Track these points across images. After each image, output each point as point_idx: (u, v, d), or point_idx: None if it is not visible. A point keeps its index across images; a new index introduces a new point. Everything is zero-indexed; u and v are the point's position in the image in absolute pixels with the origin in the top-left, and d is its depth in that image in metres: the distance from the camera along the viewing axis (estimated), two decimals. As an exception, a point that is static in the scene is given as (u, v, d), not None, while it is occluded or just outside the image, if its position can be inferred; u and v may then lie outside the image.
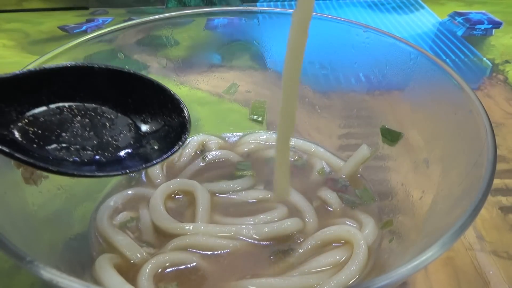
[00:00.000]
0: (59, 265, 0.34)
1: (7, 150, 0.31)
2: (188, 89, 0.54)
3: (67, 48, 0.45)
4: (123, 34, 0.49)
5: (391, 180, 0.47)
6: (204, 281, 0.39)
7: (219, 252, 0.41)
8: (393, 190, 0.46)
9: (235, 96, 0.55)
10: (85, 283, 0.25)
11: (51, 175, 0.41)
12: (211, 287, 0.38)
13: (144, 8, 0.99)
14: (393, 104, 0.48)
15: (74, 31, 0.89)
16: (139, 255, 0.40)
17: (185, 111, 0.38)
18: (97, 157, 0.36)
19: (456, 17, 0.95)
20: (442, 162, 0.40)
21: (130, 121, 0.38)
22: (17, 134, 0.33)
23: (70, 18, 0.95)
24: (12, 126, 0.33)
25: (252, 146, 0.54)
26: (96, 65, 0.37)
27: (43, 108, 0.35)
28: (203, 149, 0.54)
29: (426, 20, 0.95)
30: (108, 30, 0.48)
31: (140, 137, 0.38)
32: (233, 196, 0.47)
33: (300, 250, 0.41)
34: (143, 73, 0.48)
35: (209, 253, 0.41)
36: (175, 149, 0.36)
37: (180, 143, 0.37)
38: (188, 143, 0.53)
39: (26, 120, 0.34)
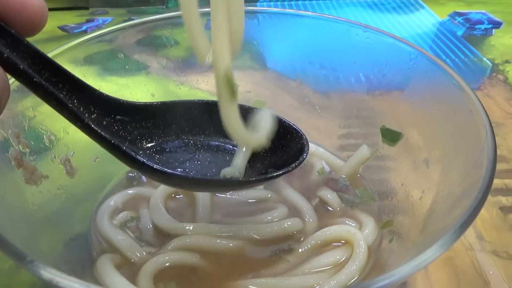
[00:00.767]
0: (59, 265, 0.34)
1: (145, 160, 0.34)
2: (188, 89, 0.54)
3: (67, 48, 0.45)
4: (123, 34, 0.49)
5: (391, 180, 0.47)
6: (204, 281, 0.39)
7: (219, 252, 0.41)
8: (393, 190, 0.46)
9: (235, 96, 0.55)
10: (85, 283, 0.25)
11: (51, 175, 0.41)
12: (211, 287, 0.38)
13: (144, 8, 0.99)
14: (393, 104, 0.48)
15: (74, 31, 0.89)
16: (139, 255, 0.40)
17: (304, 137, 0.40)
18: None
19: (456, 17, 0.95)
20: (442, 162, 0.40)
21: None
22: (142, 153, 0.38)
23: (70, 18, 0.95)
24: (139, 145, 0.39)
25: (252, 146, 0.54)
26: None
27: (170, 137, 0.40)
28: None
29: (426, 20, 0.95)
30: (108, 30, 0.48)
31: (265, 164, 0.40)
32: (233, 196, 0.47)
33: (300, 250, 0.41)
34: (143, 73, 0.49)
35: (209, 253, 0.41)
36: (294, 165, 0.38)
37: (298, 161, 0.38)
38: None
39: (153, 143, 0.39)
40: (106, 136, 0.33)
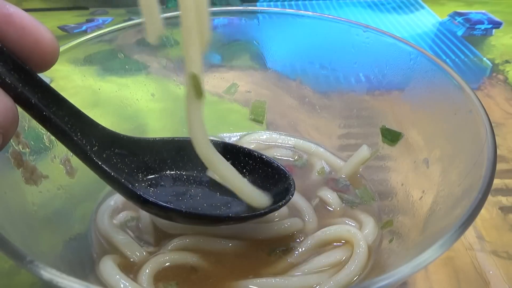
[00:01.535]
0: (59, 265, 0.34)
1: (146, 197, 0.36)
2: (188, 89, 0.54)
3: (67, 48, 0.45)
4: (123, 34, 0.49)
5: (391, 180, 0.47)
6: (204, 281, 0.39)
7: (219, 252, 0.41)
8: (393, 190, 0.46)
9: (235, 96, 0.55)
10: (85, 283, 0.25)
11: (51, 175, 0.41)
12: (211, 287, 0.38)
13: (144, 8, 0.99)
14: (393, 104, 0.48)
15: (74, 31, 0.89)
16: (139, 255, 0.40)
17: (290, 178, 0.41)
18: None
19: (456, 17, 0.95)
20: (442, 162, 0.40)
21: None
22: (138, 186, 0.40)
23: (70, 18, 0.95)
24: (136, 178, 0.40)
25: (252, 146, 0.54)
26: (220, 142, 0.43)
27: (167, 172, 0.42)
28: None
29: (426, 20, 0.95)
30: (108, 30, 0.48)
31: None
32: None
33: (300, 250, 0.41)
34: (143, 73, 0.49)
35: (209, 253, 0.41)
36: (281, 204, 0.39)
37: (285, 201, 0.40)
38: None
39: (151, 176, 0.41)
40: (106, 168, 0.35)
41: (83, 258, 0.41)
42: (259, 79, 0.55)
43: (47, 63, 0.31)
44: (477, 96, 0.38)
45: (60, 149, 0.43)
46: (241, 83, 0.55)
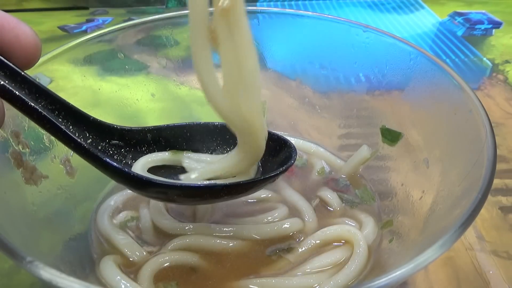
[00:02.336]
0: (59, 265, 0.34)
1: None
2: (188, 89, 0.54)
3: (67, 48, 0.45)
4: (123, 34, 0.49)
5: (391, 180, 0.47)
6: (204, 281, 0.39)
7: (219, 252, 0.41)
8: (393, 190, 0.46)
9: (235, 96, 0.55)
10: (85, 283, 0.25)
11: (51, 175, 0.41)
12: (211, 287, 0.38)
13: (144, 8, 0.99)
14: (393, 104, 0.48)
15: (74, 31, 0.89)
16: (139, 254, 0.40)
17: (292, 146, 0.41)
18: None
19: (456, 17, 0.95)
20: (442, 162, 0.40)
21: None
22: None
23: (70, 18, 0.95)
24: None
25: (252, 146, 0.54)
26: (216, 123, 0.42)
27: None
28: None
29: (426, 20, 0.95)
30: (108, 30, 0.48)
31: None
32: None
33: (300, 250, 0.41)
34: (143, 73, 0.49)
35: (209, 253, 0.41)
36: (282, 169, 0.39)
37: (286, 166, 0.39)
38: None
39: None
40: (101, 156, 0.35)
41: (83, 258, 0.41)
42: (259, 79, 0.55)
43: (30, 59, 0.32)
44: (477, 96, 0.38)
45: (60, 149, 0.43)
46: (241, 83, 0.55)
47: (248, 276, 0.39)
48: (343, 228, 0.42)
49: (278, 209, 0.44)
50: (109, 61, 0.50)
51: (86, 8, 0.99)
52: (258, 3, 1.03)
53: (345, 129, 0.53)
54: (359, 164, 0.49)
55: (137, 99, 0.51)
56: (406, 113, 0.47)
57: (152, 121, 0.52)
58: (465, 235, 0.47)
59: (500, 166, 0.56)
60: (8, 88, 0.31)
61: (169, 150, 0.42)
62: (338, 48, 0.51)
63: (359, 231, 0.41)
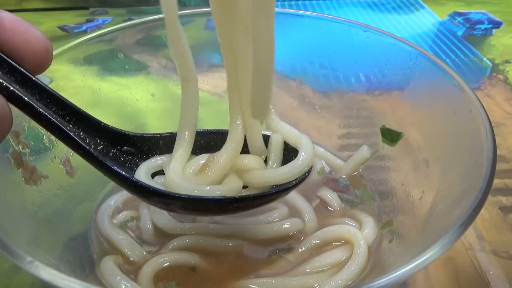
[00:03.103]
0: (59, 265, 0.34)
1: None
2: (188, 89, 0.54)
3: (67, 48, 0.45)
4: (123, 34, 0.49)
5: (391, 180, 0.47)
6: (204, 281, 0.39)
7: (219, 252, 0.41)
8: (393, 190, 0.46)
9: (235, 96, 0.55)
10: (85, 283, 0.25)
11: (51, 175, 0.41)
12: (211, 287, 0.38)
13: (144, 8, 0.99)
14: (393, 104, 0.48)
15: (74, 31, 0.89)
16: (139, 254, 0.40)
17: None
18: None
19: (456, 17, 0.95)
20: (442, 162, 0.40)
21: None
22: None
23: (70, 18, 0.95)
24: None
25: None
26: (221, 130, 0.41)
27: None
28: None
29: (426, 20, 0.95)
30: (108, 30, 0.48)
31: None
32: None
33: (300, 250, 0.41)
34: (143, 73, 0.48)
35: (209, 253, 0.41)
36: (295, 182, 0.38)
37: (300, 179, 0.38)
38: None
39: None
40: (110, 165, 0.34)
41: (83, 258, 0.41)
42: (259, 79, 0.55)
43: (41, 63, 0.31)
44: (477, 96, 0.38)
45: (60, 149, 0.43)
46: (241, 83, 0.55)
47: (248, 276, 0.39)
48: (343, 228, 0.42)
49: (278, 209, 0.44)
50: (109, 61, 0.50)
51: (86, 8, 0.99)
52: (258, 3, 1.03)
53: (345, 129, 0.53)
54: (359, 164, 0.49)
55: (137, 99, 0.51)
56: (406, 113, 0.47)
57: (152, 121, 0.52)
58: (465, 235, 0.47)
59: (500, 166, 0.56)
60: (18, 94, 0.30)
61: None
62: (338, 48, 0.51)
63: (359, 231, 0.42)
